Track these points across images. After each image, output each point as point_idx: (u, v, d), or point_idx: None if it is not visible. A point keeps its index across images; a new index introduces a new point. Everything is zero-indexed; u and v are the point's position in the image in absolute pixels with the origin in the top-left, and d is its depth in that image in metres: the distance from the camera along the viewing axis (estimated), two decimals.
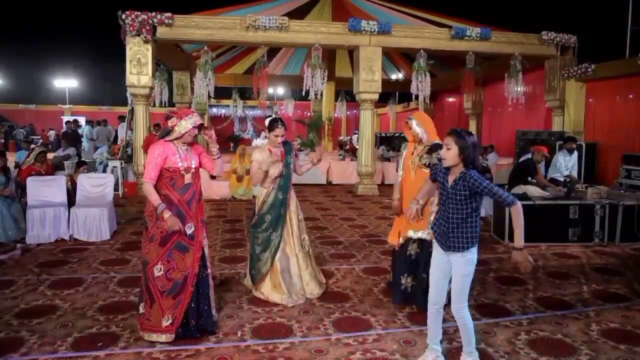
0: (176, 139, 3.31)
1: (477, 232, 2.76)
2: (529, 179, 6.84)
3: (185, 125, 3.27)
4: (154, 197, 3.24)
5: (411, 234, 3.83)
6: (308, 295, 4.12)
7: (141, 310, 3.35)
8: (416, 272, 3.85)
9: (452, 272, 2.82)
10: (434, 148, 3.74)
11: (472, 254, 2.77)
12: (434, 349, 2.99)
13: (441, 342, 3.03)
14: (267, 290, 4.05)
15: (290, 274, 4.07)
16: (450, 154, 2.70)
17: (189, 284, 3.31)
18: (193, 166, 3.39)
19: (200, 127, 3.35)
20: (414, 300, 3.87)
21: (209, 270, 3.51)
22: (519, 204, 2.69)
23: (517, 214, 2.70)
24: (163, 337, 3.25)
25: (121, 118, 13.28)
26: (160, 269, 3.26)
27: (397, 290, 3.94)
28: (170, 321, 3.26)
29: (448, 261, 2.82)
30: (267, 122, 4.05)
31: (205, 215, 3.53)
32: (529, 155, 7.09)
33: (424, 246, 3.78)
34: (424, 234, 3.77)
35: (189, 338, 3.31)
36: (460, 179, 2.70)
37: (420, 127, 3.79)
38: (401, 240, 3.92)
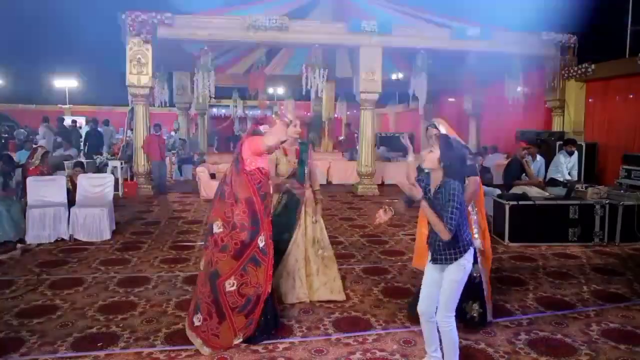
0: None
1: (466, 240, 2.66)
2: (523, 176, 6.81)
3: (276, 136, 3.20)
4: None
5: None
6: (314, 299, 4.01)
7: (196, 322, 3.13)
8: None
9: (443, 279, 2.72)
10: None
11: (466, 260, 2.68)
12: (433, 356, 2.92)
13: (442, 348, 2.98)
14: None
15: (294, 278, 3.95)
16: (431, 156, 2.66)
17: (261, 302, 3.13)
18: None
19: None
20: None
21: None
22: (448, 236, 2.56)
23: (439, 223, 2.56)
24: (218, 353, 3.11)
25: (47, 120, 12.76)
26: (233, 284, 3.04)
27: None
28: (240, 339, 3.15)
29: (440, 271, 2.73)
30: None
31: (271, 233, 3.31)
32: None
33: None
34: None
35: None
36: (441, 187, 2.63)
37: (445, 129, 3.63)
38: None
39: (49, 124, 12.48)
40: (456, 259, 2.65)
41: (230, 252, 3.02)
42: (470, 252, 2.70)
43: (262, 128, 3.23)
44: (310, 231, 4.04)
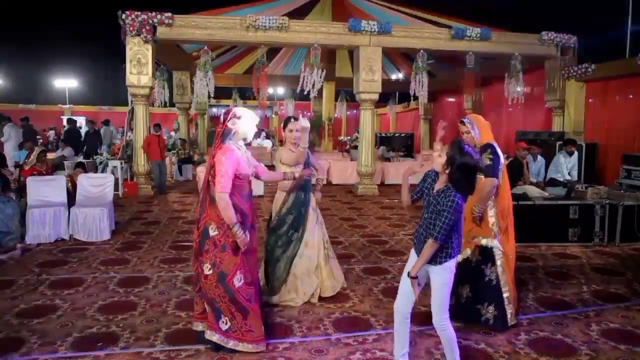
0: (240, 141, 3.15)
1: (454, 246, 2.63)
2: (520, 180, 6.76)
3: (249, 124, 3.11)
4: (230, 213, 2.96)
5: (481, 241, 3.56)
6: (322, 294, 4.04)
7: (224, 326, 3.09)
8: (471, 281, 3.62)
9: (431, 282, 2.69)
10: (482, 149, 3.49)
11: (452, 263, 2.65)
12: None
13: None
14: (281, 297, 3.96)
15: (308, 276, 3.98)
16: (439, 161, 2.61)
17: (257, 289, 3.22)
18: (254, 169, 3.24)
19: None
20: (465, 314, 3.61)
21: None
22: (438, 243, 2.56)
23: (428, 245, 2.57)
24: (258, 347, 3.14)
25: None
26: (240, 279, 3.08)
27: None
28: (264, 328, 3.21)
29: (425, 270, 2.69)
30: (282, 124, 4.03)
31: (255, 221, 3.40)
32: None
33: (486, 254, 3.57)
34: (487, 240, 3.54)
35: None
36: (443, 192, 2.59)
37: (474, 125, 3.56)
38: (468, 252, 3.56)
39: (13, 123, 12.48)
40: (441, 262, 2.62)
41: (229, 250, 3.06)
42: (456, 258, 2.67)
43: (230, 124, 3.09)
44: (316, 229, 4.04)
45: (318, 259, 4.02)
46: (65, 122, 13.13)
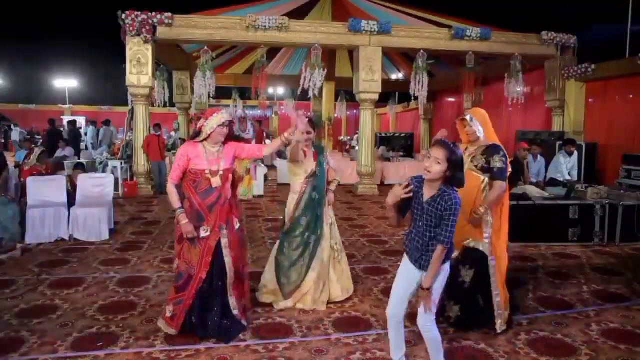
0: (204, 139, 3.25)
1: (450, 250, 2.59)
2: (520, 180, 6.74)
3: (210, 124, 3.19)
4: (173, 199, 3.24)
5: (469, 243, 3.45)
6: (333, 299, 3.99)
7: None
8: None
9: (422, 284, 2.60)
10: (491, 151, 3.37)
11: (445, 265, 2.61)
12: None
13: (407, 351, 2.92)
14: (294, 300, 3.90)
15: (320, 279, 3.90)
16: (438, 168, 2.50)
17: (193, 284, 3.23)
18: (221, 168, 3.27)
19: (231, 124, 3.29)
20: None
21: (231, 280, 3.36)
22: (447, 247, 2.51)
23: (438, 253, 2.51)
24: (167, 328, 3.35)
25: None
26: (176, 266, 3.37)
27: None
28: (170, 314, 3.32)
29: (417, 274, 2.64)
30: None
31: (232, 221, 3.39)
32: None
33: (467, 255, 3.45)
34: (476, 243, 3.43)
35: (191, 335, 3.29)
36: (439, 197, 2.51)
37: (477, 124, 3.43)
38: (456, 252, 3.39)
39: None
40: None
41: (177, 239, 3.35)
42: (449, 261, 2.64)
43: (199, 124, 3.28)
44: (327, 233, 3.99)
45: (329, 264, 3.98)
46: (64, 123, 13.11)
